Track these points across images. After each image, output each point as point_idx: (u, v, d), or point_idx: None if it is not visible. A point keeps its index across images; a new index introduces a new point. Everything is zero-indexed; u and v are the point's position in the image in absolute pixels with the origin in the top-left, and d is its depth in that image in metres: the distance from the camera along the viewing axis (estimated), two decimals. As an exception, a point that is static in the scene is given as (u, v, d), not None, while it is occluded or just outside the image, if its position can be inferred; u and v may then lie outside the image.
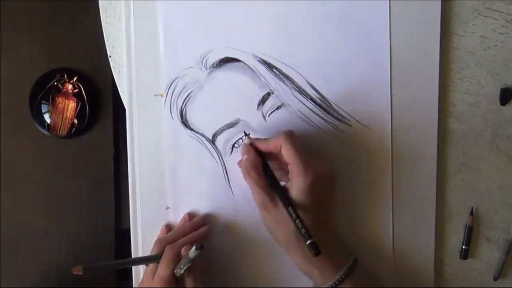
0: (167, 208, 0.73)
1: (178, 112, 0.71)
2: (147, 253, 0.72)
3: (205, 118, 0.71)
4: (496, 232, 0.73)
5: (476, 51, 0.71)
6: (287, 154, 0.63)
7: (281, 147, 0.64)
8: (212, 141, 0.71)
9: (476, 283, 0.74)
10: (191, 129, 0.71)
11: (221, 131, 0.71)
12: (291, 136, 0.64)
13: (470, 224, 0.72)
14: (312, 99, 0.70)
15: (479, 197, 0.72)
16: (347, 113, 0.71)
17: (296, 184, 0.63)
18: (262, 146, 0.66)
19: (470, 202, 0.72)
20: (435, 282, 0.73)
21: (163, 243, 0.68)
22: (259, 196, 0.64)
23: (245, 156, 0.66)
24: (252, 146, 0.66)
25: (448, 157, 0.72)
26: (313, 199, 0.63)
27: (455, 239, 0.73)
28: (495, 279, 0.73)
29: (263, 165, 0.66)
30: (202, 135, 0.71)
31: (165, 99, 0.71)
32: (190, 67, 0.71)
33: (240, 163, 0.67)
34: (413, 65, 0.70)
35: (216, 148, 0.71)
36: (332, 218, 0.68)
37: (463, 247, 0.73)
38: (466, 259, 0.73)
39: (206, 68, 0.70)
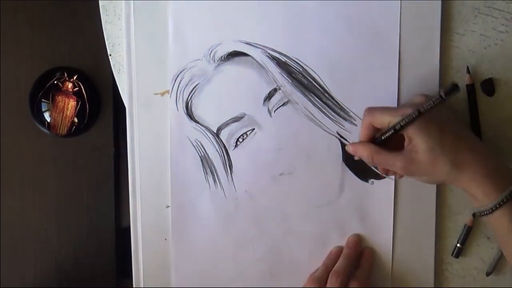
0: (167, 207, 0.73)
1: (184, 104, 0.71)
2: (147, 252, 0.73)
3: (210, 111, 0.71)
4: (497, 231, 0.73)
5: (477, 50, 0.71)
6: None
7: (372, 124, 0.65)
8: (217, 134, 0.71)
9: (476, 282, 0.74)
10: (196, 122, 0.71)
11: (226, 124, 0.71)
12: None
13: (470, 225, 0.72)
14: (318, 97, 0.70)
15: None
16: (353, 113, 0.71)
17: (409, 131, 0.62)
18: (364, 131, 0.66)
19: (470, 201, 0.72)
20: (435, 281, 0.73)
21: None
22: (397, 164, 0.63)
23: (362, 154, 0.66)
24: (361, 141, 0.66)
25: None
26: (443, 136, 0.62)
27: (455, 238, 0.73)
28: (488, 274, 0.73)
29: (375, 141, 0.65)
30: (206, 128, 0.71)
31: (171, 90, 0.71)
32: (198, 60, 0.71)
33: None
34: (413, 65, 0.70)
35: (220, 142, 0.71)
36: (479, 142, 0.66)
37: (458, 245, 0.72)
38: (457, 257, 0.73)
39: (214, 61, 0.71)
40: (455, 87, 0.59)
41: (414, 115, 0.60)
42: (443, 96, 0.59)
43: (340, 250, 0.72)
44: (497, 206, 0.61)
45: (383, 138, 0.64)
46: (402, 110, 0.62)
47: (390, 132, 0.63)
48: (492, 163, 0.62)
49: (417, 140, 0.62)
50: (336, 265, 0.70)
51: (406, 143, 0.63)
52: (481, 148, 0.63)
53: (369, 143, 0.65)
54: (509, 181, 0.61)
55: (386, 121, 0.63)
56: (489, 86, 0.71)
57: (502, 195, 0.60)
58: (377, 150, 0.64)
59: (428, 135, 0.61)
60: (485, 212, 0.62)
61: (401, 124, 0.61)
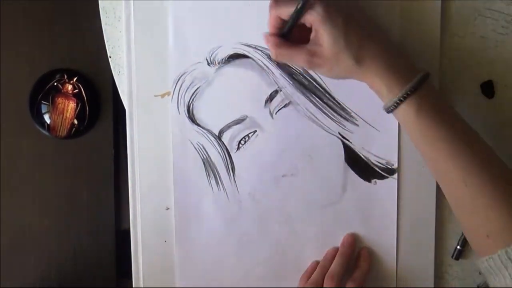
0: (167, 208, 0.73)
1: (185, 107, 0.71)
2: (147, 253, 0.73)
3: (212, 114, 0.71)
4: (496, 232, 0.73)
5: (476, 52, 0.71)
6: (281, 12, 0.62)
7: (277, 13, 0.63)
8: (219, 137, 0.71)
9: (476, 284, 0.74)
10: (198, 125, 0.71)
11: (228, 127, 0.71)
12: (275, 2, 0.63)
13: (470, 226, 0.72)
14: (319, 98, 0.70)
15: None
16: (355, 113, 0.71)
17: (314, 21, 0.61)
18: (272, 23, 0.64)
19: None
20: (435, 282, 0.73)
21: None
22: (300, 57, 0.63)
23: (268, 45, 0.64)
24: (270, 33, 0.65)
25: (448, 157, 0.72)
26: (348, 29, 0.61)
27: (455, 240, 0.73)
28: (481, 273, 0.73)
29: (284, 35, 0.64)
30: (208, 130, 0.71)
31: (173, 93, 0.71)
32: (199, 62, 0.71)
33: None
34: (413, 66, 0.70)
35: (222, 144, 0.71)
36: (384, 34, 0.66)
37: (457, 247, 0.73)
38: (458, 259, 0.73)
39: (215, 64, 0.70)
40: None
41: (299, 4, 0.60)
42: None
43: (336, 251, 0.72)
44: (401, 99, 0.61)
45: (285, 30, 0.63)
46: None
47: (290, 22, 0.62)
48: (396, 57, 0.63)
49: (322, 32, 0.61)
50: (332, 266, 0.70)
51: (312, 35, 0.62)
52: (386, 44, 0.63)
53: (273, 36, 0.64)
54: (413, 74, 0.62)
55: (291, 11, 0.62)
56: (489, 88, 0.71)
57: (406, 88, 0.61)
58: (281, 43, 0.63)
59: (333, 27, 0.60)
60: (391, 108, 0.62)
61: (297, 10, 0.61)
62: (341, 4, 0.62)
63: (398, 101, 0.61)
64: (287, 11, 0.62)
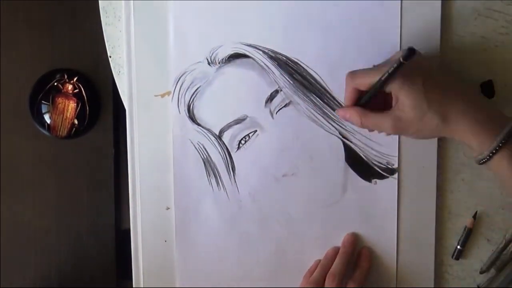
0: (167, 208, 0.73)
1: (186, 107, 0.71)
2: (147, 253, 0.73)
3: (212, 114, 0.71)
4: (496, 232, 0.73)
5: (477, 52, 0.71)
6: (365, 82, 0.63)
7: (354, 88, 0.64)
8: (219, 137, 0.71)
9: (476, 284, 0.74)
10: (198, 124, 0.71)
11: (228, 126, 0.71)
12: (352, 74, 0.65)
13: (470, 227, 0.72)
14: (320, 98, 0.70)
15: (480, 198, 0.72)
16: None
17: (393, 88, 0.61)
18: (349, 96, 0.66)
19: (470, 203, 0.72)
20: (435, 282, 0.73)
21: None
22: (385, 124, 0.63)
23: (351, 118, 0.65)
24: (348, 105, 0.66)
25: (448, 157, 0.72)
26: (428, 89, 0.61)
27: (456, 240, 0.73)
28: (482, 272, 0.73)
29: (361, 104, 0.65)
30: (209, 130, 0.71)
31: (173, 93, 0.71)
32: (199, 62, 0.71)
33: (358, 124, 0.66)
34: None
35: (222, 144, 0.71)
36: (466, 87, 0.65)
37: (458, 247, 0.73)
38: (458, 259, 0.73)
39: (215, 64, 0.71)
40: (412, 52, 0.58)
41: (383, 77, 0.61)
42: (402, 61, 0.59)
43: (336, 250, 0.72)
44: (494, 152, 0.60)
45: (365, 100, 0.64)
46: (382, 69, 0.62)
47: (370, 93, 0.63)
48: (482, 110, 0.62)
49: (402, 97, 0.61)
50: (333, 266, 0.70)
51: (393, 102, 0.63)
52: (470, 97, 0.63)
53: (356, 107, 0.65)
54: (502, 125, 0.61)
55: (369, 82, 0.63)
56: (489, 88, 0.71)
57: (497, 140, 0.60)
58: (365, 112, 0.64)
59: (413, 91, 0.61)
60: (483, 160, 0.61)
61: (376, 86, 0.62)
62: (417, 66, 0.62)
63: (490, 154, 0.60)
64: (365, 82, 0.63)
